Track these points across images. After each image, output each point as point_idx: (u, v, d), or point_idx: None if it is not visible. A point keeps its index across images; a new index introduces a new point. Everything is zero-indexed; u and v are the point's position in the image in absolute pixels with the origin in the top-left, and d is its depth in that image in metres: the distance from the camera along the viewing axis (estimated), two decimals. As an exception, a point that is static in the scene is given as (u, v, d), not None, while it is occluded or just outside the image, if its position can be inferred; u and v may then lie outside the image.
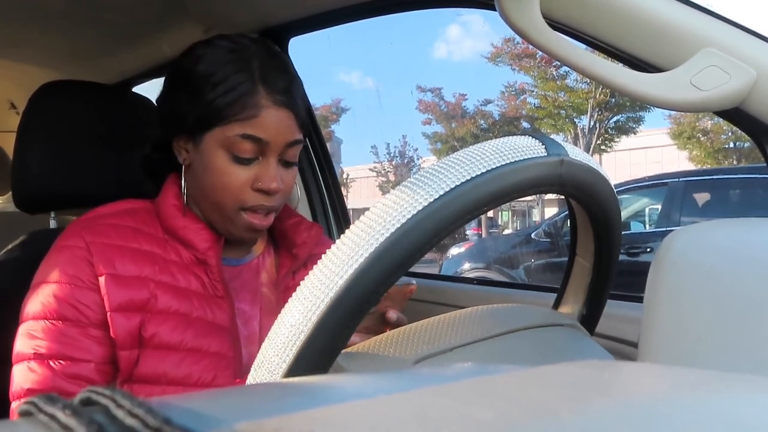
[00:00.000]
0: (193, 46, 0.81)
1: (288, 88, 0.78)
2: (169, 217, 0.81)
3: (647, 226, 5.74)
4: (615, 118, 14.11)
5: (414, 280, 0.69)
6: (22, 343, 0.74)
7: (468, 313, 0.53)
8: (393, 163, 17.73)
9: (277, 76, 0.78)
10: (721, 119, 0.74)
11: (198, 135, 0.78)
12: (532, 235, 5.57)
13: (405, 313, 0.73)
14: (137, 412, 0.17)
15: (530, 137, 0.45)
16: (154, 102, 0.89)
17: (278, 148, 0.78)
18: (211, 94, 0.76)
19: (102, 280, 0.75)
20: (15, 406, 0.75)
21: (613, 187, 0.52)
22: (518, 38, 0.76)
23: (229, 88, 0.76)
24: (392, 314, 0.69)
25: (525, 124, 15.39)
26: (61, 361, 0.73)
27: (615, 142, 14.36)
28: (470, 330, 0.50)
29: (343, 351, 0.44)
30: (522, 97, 15.06)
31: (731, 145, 13.17)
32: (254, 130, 0.76)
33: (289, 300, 0.40)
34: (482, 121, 15.98)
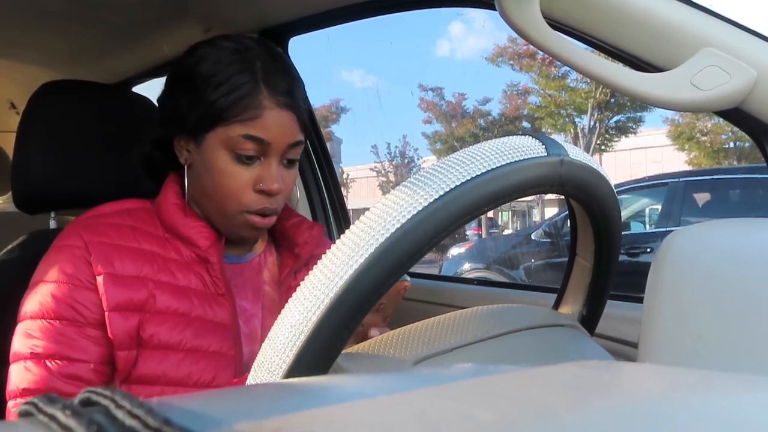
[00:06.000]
0: (196, 46, 0.81)
1: (290, 90, 0.78)
2: (170, 214, 0.81)
3: (647, 226, 5.74)
4: (615, 118, 14.11)
5: (408, 278, 0.69)
6: (19, 343, 0.74)
7: (468, 314, 0.53)
8: (393, 163, 17.72)
9: (280, 77, 0.78)
10: (721, 119, 0.74)
11: (200, 135, 0.78)
12: (532, 236, 5.56)
13: (404, 314, 0.73)
14: (137, 412, 0.17)
15: (530, 137, 0.45)
16: (155, 102, 0.89)
17: (280, 149, 0.78)
18: (213, 94, 0.76)
19: (100, 279, 0.75)
20: (11, 405, 0.74)
21: (613, 187, 0.52)
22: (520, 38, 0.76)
23: (232, 89, 0.76)
24: (374, 332, 0.68)
25: (525, 124, 15.40)
26: (58, 361, 0.73)
27: (615, 142, 14.36)
28: (470, 330, 0.50)
29: (343, 351, 0.44)
30: (523, 98, 15.07)
31: (731, 145, 13.16)
32: (256, 130, 0.76)
33: (289, 300, 0.40)
34: (481, 121, 15.99)
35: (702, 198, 4.73)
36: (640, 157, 16.25)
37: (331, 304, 0.38)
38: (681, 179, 4.90)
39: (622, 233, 0.58)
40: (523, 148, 0.43)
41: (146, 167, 0.88)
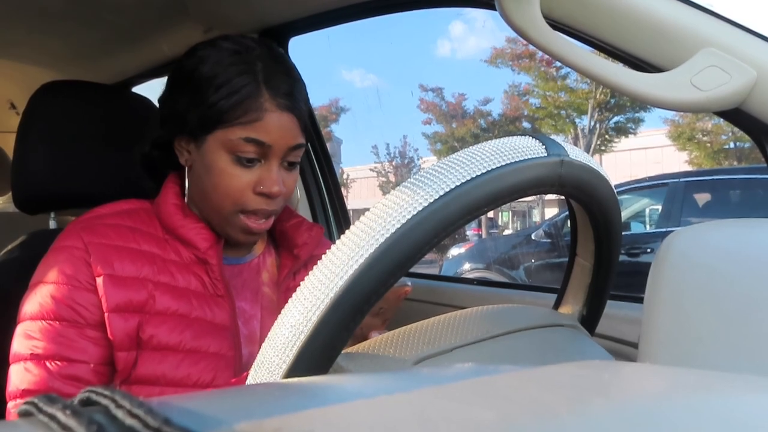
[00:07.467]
0: (196, 47, 0.81)
1: (291, 92, 0.78)
2: (169, 216, 0.81)
3: (647, 226, 5.74)
4: (615, 119, 14.11)
5: (409, 281, 0.69)
6: (19, 344, 0.74)
7: (468, 314, 0.53)
8: (393, 163, 17.73)
9: (281, 79, 0.78)
10: (721, 119, 0.74)
11: (200, 136, 0.78)
12: (532, 236, 5.56)
13: (404, 314, 0.73)
14: (137, 412, 0.17)
15: (530, 137, 0.45)
16: (154, 102, 0.89)
17: (281, 151, 0.78)
18: (214, 96, 0.76)
19: (100, 280, 0.75)
20: (11, 406, 0.74)
21: (614, 187, 0.52)
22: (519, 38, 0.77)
23: (233, 91, 0.75)
24: (374, 335, 0.69)
25: (525, 125, 15.40)
26: (58, 362, 0.73)
27: (615, 142, 14.36)
28: (470, 330, 0.50)
29: (343, 351, 0.44)
30: (525, 98, 15.07)
31: (731, 145, 13.16)
32: (257, 133, 0.75)
33: (289, 300, 0.40)
34: (482, 121, 16.00)
35: (702, 198, 4.73)
36: (640, 158, 16.26)
37: (331, 304, 0.38)
38: (681, 180, 4.90)
39: (622, 233, 0.58)
40: (523, 148, 0.43)
41: (146, 167, 0.88)
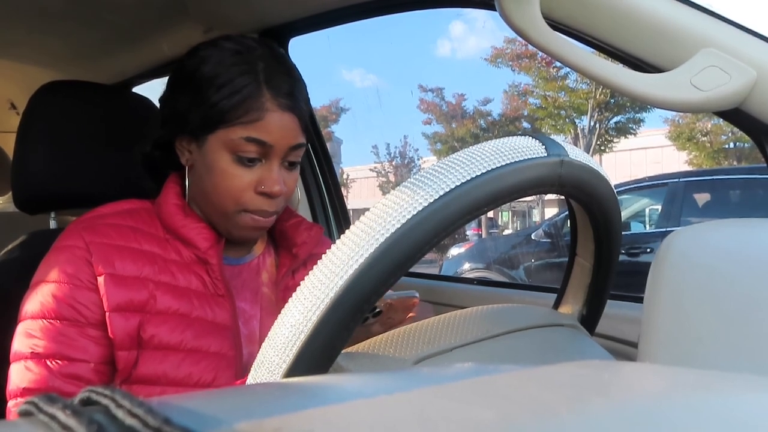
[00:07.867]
0: (198, 47, 0.81)
1: (292, 92, 0.78)
2: (170, 215, 0.81)
3: (647, 226, 5.74)
4: (615, 119, 14.11)
5: (417, 293, 0.69)
6: (19, 342, 0.74)
7: (468, 313, 0.53)
8: (393, 163, 17.74)
9: (282, 79, 0.78)
10: (721, 119, 0.74)
11: (201, 136, 0.78)
12: (532, 236, 5.56)
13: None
14: (137, 411, 0.17)
15: (530, 137, 0.45)
16: (155, 102, 0.89)
17: (282, 151, 0.78)
18: (215, 96, 0.76)
19: (101, 280, 0.75)
20: (11, 405, 0.74)
21: (613, 187, 0.52)
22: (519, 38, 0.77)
23: (234, 91, 0.75)
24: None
25: (525, 125, 15.40)
26: (58, 361, 0.73)
27: (615, 142, 14.36)
28: (470, 330, 0.50)
29: (343, 351, 0.44)
30: (524, 99, 15.06)
31: (731, 145, 13.16)
32: (258, 133, 0.76)
33: (289, 300, 0.40)
34: (482, 121, 16.01)
35: (702, 198, 4.73)
36: (640, 158, 16.26)
37: (331, 304, 0.38)
38: (681, 179, 4.90)
39: (622, 233, 0.58)
40: (523, 148, 0.43)
41: (147, 167, 0.88)
